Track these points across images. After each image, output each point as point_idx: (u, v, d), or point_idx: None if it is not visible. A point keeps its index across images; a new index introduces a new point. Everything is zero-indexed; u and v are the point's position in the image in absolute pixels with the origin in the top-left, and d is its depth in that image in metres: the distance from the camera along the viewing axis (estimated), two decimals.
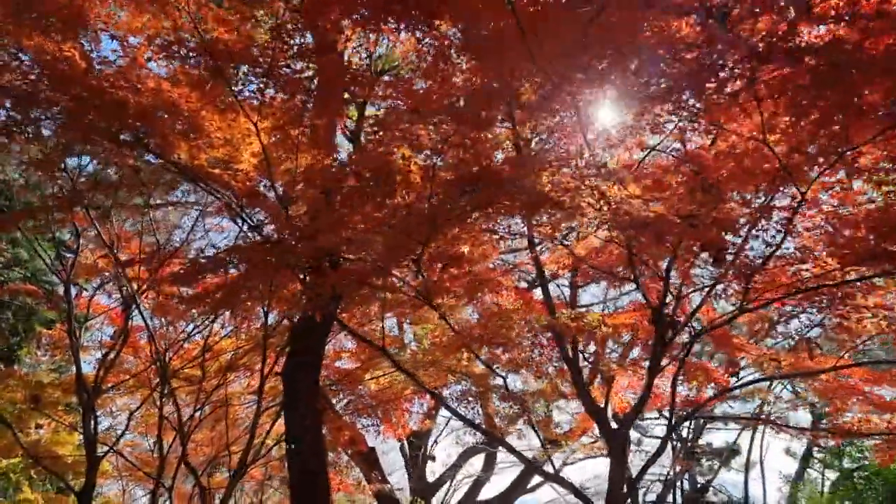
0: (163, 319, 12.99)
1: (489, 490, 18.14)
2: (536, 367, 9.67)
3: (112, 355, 12.47)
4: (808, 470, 22.42)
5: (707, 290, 7.57)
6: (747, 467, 16.51)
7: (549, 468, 15.26)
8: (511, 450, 8.89)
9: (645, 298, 7.96)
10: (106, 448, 12.54)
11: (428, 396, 15.85)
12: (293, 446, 8.51)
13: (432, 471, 17.07)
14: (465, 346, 9.48)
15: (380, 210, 6.67)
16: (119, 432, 16.39)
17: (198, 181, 7.13)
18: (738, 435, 18.28)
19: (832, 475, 22.66)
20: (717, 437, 23.54)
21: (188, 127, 6.50)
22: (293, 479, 8.45)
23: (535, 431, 10.73)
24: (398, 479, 19.93)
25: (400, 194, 6.61)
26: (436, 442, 16.85)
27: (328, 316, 9.04)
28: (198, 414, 12.44)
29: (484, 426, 14.84)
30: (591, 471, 21.90)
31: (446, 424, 17.27)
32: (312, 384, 8.74)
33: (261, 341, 13.67)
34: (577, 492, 8.40)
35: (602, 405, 8.35)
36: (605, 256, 8.83)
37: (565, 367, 9.27)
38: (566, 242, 8.98)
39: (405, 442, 17.28)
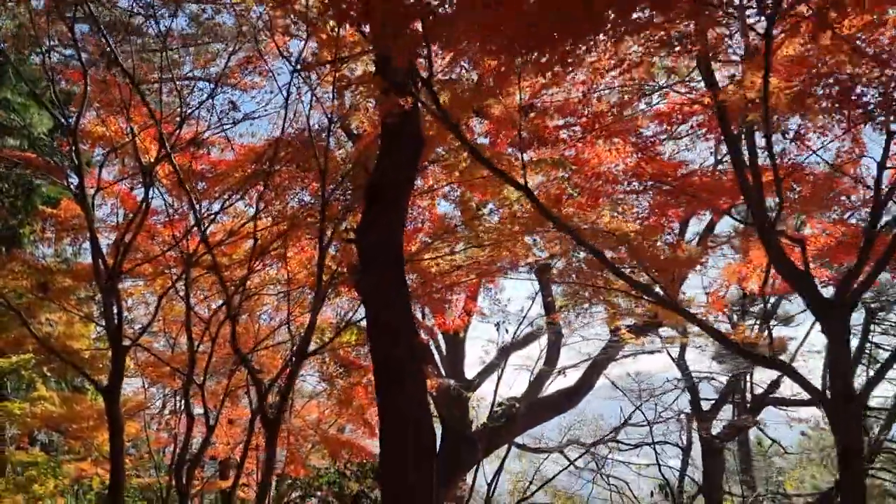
0: (190, 196, 11.12)
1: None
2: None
3: (129, 236, 10.73)
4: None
5: None
6: (824, 377, 15.05)
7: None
8: (692, 318, 7.32)
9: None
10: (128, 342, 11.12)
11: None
12: (375, 324, 6.86)
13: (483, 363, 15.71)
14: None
15: None
16: (135, 327, 14.96)
17: None
18: (797, 350, 16.75)
19: None
20: None
21: None
22: (378, 366, 6.81)
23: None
24: None
25: None
26: (515, 335, 15.27)
27: (411, 160, 7.20)
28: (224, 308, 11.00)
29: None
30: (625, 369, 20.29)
31: (525, 315, 15.45)
32: (396, 246, 6.91)
33: (296, 222, 11.98)
34: (798, 376, 6.78)
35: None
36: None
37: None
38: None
39: (440, 335, 15.84)
